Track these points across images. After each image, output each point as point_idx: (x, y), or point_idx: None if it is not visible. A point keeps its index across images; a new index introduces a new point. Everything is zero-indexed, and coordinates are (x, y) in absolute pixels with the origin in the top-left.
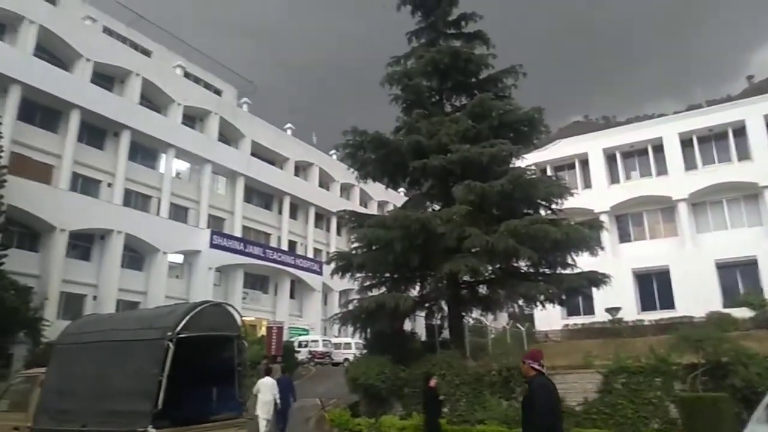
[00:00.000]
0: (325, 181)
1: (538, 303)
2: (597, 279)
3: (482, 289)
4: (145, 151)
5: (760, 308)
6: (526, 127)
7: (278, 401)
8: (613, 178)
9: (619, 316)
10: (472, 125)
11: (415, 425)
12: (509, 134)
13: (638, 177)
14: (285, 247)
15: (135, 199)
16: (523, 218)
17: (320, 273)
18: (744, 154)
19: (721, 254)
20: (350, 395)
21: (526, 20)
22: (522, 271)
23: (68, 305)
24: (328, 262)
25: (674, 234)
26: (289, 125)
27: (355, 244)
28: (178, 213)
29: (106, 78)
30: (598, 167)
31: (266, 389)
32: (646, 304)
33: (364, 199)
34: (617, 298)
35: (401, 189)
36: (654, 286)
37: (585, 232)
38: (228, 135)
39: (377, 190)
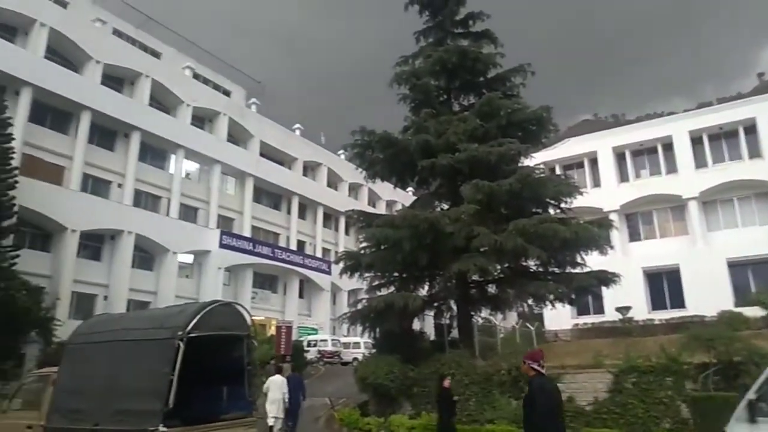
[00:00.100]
0: (333, 181)
1: (547, 302)
2: (607, 278)
3: (491, 289)
4: (155, 151)
5: None
6: (535, 125)
7: (287, 399)
8: (623, 177)
9: (629, 315)
10: (480, 124)
11: (424, 425)
12: (517, 133)
13: (648, 175)
14: (294, 246)
15: (145, 200)
16: (531, 217)
17: (329, 272)
18: (755, 152)
19: (732, 253)
20: (359, 394)
21: (534, 19)
22: (531, 270)
23: (79, 305)
24: (337, 262)
25: (685, 233)
26: (297, 125)
27: (364, 244)
28: (188, 213)
29: (116, 80)
30: (607, 166)
31: (276, 387)
32: (657, 303)
33: (373, 199)
34: (627, 298)
35: (409, 188)
36: (664, 285)
37: (594, 231)
38: (237, 135)
39: (385, 190)
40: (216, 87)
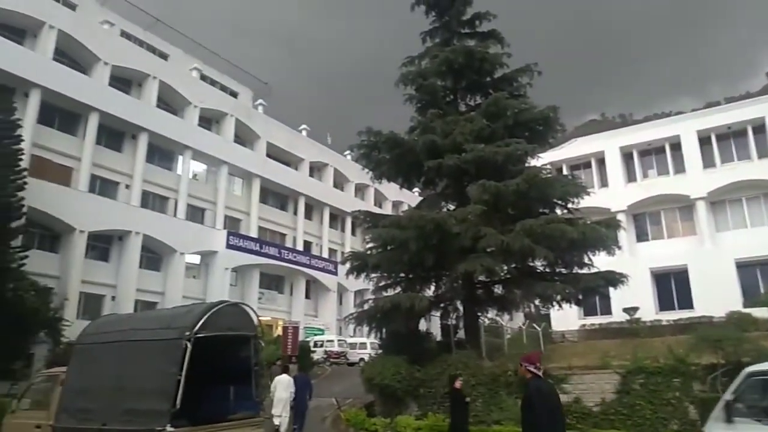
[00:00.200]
0: (339, 182)
1: (554, 303)
2: (614, 278)
3: (498, 289)
4: (162, 152)
5: None
6: (542, 125)
7: (294, 399)
8: (630, 177)
9: (636, 316)
10: (486, 124)
11: (430, 425)
12: (524, 133)
13: (656, 175)
14: (300, 247)
15: (152, 201)
16: (538, 218)
17: (335, 273)
18: (764, 152)
19: (741, 253)
20: (366, 395)
21: (541, 18)
22: (538, 270)
23: (87, 305)
24: (343, 262)
25: (693, 233)
26: (304, 126)
27: (370, 245)
28: (195, 214)
29: (124, 81)
30: (614, 166)
31: (282, 386)
32: (665, 304)
33: (379, 200)
34: (635, 298)
35: (416, 189)
36: (672, 285)
37: (602, 232)
38: (244, 136)
39: (392, 191)
40: (223, 88)
